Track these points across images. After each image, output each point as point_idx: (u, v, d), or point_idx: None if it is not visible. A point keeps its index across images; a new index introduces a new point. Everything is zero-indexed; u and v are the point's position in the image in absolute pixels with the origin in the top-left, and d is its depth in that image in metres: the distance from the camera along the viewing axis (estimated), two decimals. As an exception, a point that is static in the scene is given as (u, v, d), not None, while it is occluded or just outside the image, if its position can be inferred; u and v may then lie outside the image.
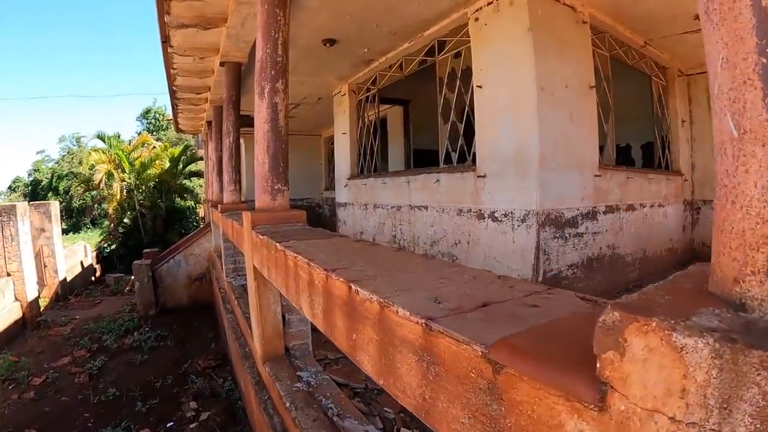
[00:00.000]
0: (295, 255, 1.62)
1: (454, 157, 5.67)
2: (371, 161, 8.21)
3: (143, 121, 33.68)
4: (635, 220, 5.56)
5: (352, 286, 1.15)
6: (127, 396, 4.34)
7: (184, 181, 12.16)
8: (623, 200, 5.35)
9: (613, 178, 5.21)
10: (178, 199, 11.72)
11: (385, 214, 7.17)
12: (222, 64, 5.43)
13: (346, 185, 8.81)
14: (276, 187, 2.71)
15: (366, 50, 6.42)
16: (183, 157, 11.81)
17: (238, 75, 5.46)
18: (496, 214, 4.66)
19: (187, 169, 12.00)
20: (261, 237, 2.23)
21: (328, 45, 5.91)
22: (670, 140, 6.49)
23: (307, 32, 5.50)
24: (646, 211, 5.76)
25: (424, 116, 9.89)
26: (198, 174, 12.82)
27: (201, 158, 12.95)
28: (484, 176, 4.79)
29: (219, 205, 5.63)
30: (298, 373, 2.60)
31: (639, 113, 7.11)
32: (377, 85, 7.67)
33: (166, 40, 4.93)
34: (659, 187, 6.05)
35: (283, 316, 2.79)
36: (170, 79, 6.58)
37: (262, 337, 2.68)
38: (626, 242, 5.41)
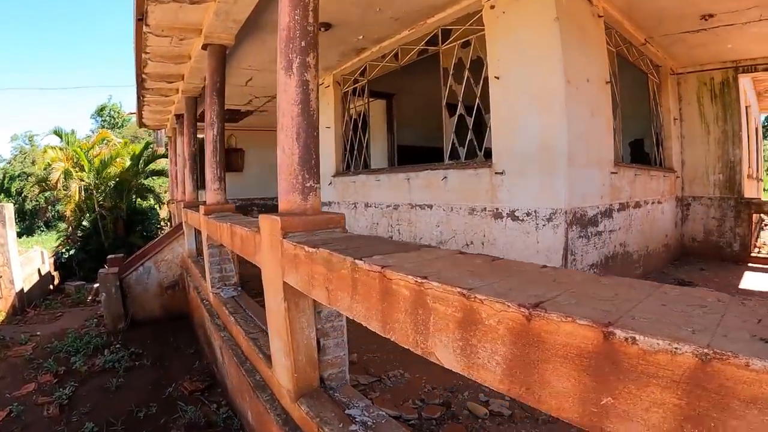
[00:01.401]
0: (417, 279, 1.20)
1: (462, 152, 5.37)
2: (359, 157, 7.78)
3: (97, 118, 32.16)
4: (641, 217, 5.51)
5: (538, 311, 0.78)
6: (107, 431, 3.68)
7: (146, 181, 11.12)
8: (632, 197, 5.28)
9: (625, 175, 5.11)
10: (139, 200, 10.70)
11: (379, 214, 6.77)
12: (204, 47, 4.81)
13: (331, 183, 8.33)
14: (308, 185, 2.24)
15: (361, 37, 5.99)
16: (144, 155, 10.77)
17: (223, 59, 4.86)
18: (516, 213, 4.40)
19: (148, 167, 10.97)
20: (309, 250, 1.77)
21: (322, 29, 5.42)
22: (663, 137, 6.54)
23: (302, 15, 4.99)
24: (648, 208, 5.74)
25: (409, 111, 9.59)
26: (160, 173, 11.80)
27: (164, 156, 11.92)
28: (502, 173, 4.51)
29: (201, 206, 5.00)
30: (346, 411, 2.16)
31: (628, 111, 7.15)
32: (367, 76, 7.24)
33: (142, 17, 4.26)
34: (658, 184, 6.07)
35: (318, 342, 2.34)
36: (139, 66, 5.83)
37: (293, 369, 2.20)
38: (634, 239, 5.34)
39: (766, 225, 7.30)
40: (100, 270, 6.48)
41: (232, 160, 13.17)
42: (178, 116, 8.22)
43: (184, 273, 7.12)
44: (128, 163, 10.25)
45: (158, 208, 11.91)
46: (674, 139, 6.58)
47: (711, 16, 4.48)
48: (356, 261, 1.48)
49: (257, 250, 2.56)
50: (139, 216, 10.51)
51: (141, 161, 10.46)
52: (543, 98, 4.08)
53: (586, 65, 4.32)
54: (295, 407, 2.26)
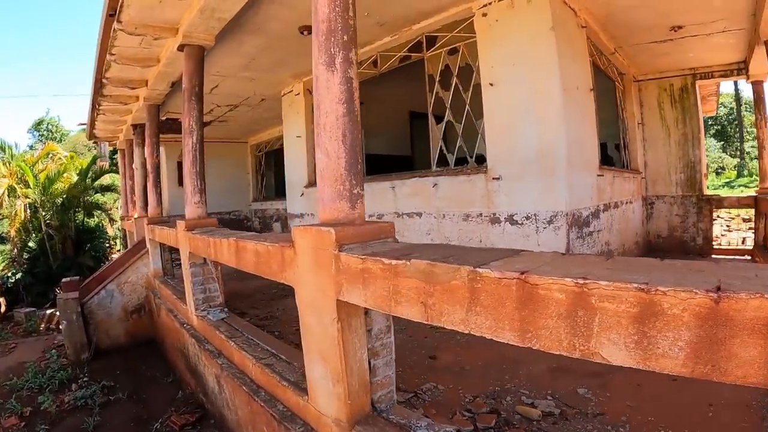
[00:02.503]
0: (578, 281, 1.12)
1: (451, 159, 5.36)
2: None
3: (35, 133, 30.19)
4: (618, 217, 5.78)
5: None
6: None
7: (95, 197, 10.13)
8: (612, 198, 5.52)
9: (606, 177, 5.34)
10: (87, 218, 9.73)
11: (361, 223, 6.61)
12: (181, 48, 4.46)
13: (303, 194, 8.05)
14: (356, 191, 2.07)
15: (342, 43, 5.83)
16: (92, 169, 9.79)
17: (202, 61, 4.53)
18: (515, 218, 4.43)
19: (97, 182, 10.01)
20: (393, 262, 1.61)
21: (305, 33, 5.23)
22: (628, 141, 6.94)
23: (289, 16, 4.81)
24: (623, 208, 6.03)
25: (375, 119, 9.52)
26: (109, 188, 10.80)
27: (113, 171, 10.97)
28: (498, 178, 4.54)
29: (180, 222, 4.61)
30: None
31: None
32: (342, 84, 7.08)
33: (114, 13, 3.86)
34: (630, 185, 6.41)
35: (369, 363, 2.17)
36: (100, 70, 5.31)
37: (346, 395, 2.02)
38: (614, 238, 5.59)
39: (715, 219, 7.95)
40: (59, 295, 5.78)
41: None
42: (135, 126, 7.59)
43: (151, 295, 6.53)
44: (75, 178, 9.29)
45: (108, 226, 10.91)
46: (638, 142, 7.01)
47: (680, 27, 4.82)
48: (478, 269, 1.37)
49: (287, 266, 2.33)
50: (88, 235, 9.55)
51: (89, 176, 9.52)
52: (541, 104, 4.16)
53: (575, 73, 4.48)
54: None
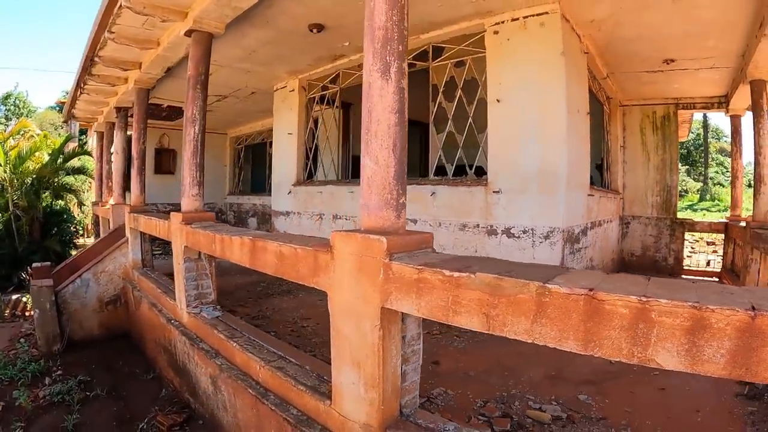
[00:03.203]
0: (642, 299, 1.27)
1: (450, 169, 5.47)
2: (336, 166, 7.59)
3: (1, 107, 28.05)
4: (601, 235, 6.07)
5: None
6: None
7: (65, 179, 9.55)
8: (597, 217, 5.79)
9: (594, 197, 5.59)
10: (55, 200, 9.16)
11: (352, 226, 6.60)
12: (188, 33, 4.33)
13: (290, 192, 7.95)
14: (401, 201, 2.11)
15: (347, 44, 5.84)
16: (65, 150, 9.20)
17: (209, 49, 4.41)
18: (512, 231, 4.58)
19: (69, 164, 9.43)
20: (454, 274, 1.65)
21: (315, 31, 5.20)
22: (610, 162, 7.29)
23: (300, 12, 4.77)
24: (605, 227, 6.34)
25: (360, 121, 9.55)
26: (81, 171, 10.21)
27: (87, 152, 10.37)
28: (498, 192, 4.68)
29: (176, 214, 4.48)
30: None
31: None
32: (339, 84, 7.08)
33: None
34: (611, 205, 6.75)
35: (401, 369, 2.21)
36: (94, 47, 5.06)
37: (380, 401, 2.05)
38: (597, 255, 5.86)
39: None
40: (32, 282, 5.42)
41: (163, 161, 12.00)
42: (119, 109, 7.26)
43: (128, 286, 6.26)
44: (47, 158, 8.72)
45: (80, 210, 10.29)
46: (619, 164, 7.39)
47: (672, 60, 5.15)
48: (547, 285, 1.47)
49: (320, 271, 2.32)
50: (56, 218, 9.00)
51: (60, 157, 8.96)
52: (546, 125, 4.31)
53: (577, 97, 4.68)
54: None
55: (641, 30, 4.47)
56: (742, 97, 5.66)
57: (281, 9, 4.66)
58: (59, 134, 13.39)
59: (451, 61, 5.30)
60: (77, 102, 7.35)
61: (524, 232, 4.51)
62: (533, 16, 4.29)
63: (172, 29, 4.68)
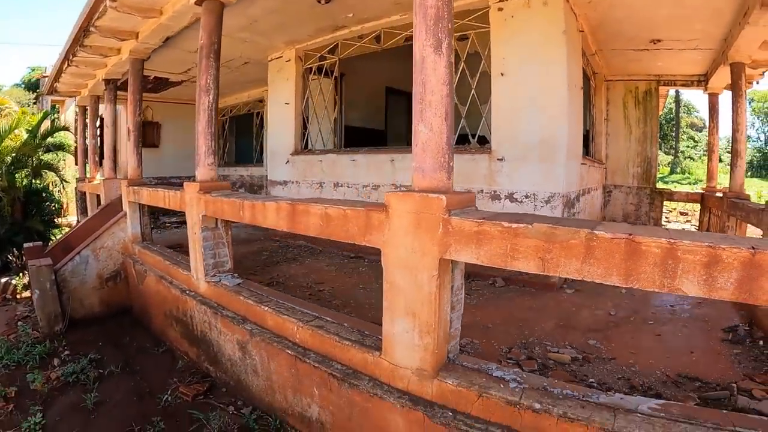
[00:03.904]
0: (671, 240, 1.60)
1: (453, 138, 5.67)
2: (332, 135, 7.66)
3: None
4: (589, 201, 6.50)
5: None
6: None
7: (45, 156, 9.13)
8: (587, 185, 6.18)
9: (585, 165, 5.96)
10: (35, 179, 8.80)
11: (354, 194, 6.78)
12: (199, 2, 4.30)
13: (288, 161, 7.99)
14: (451, 164, 2.35)
15: (351, 15, 5.87)
16: (43, 126, 8.76)
17: (221, 17, 4.39)
18: (515, 196, 4.88)
19: (48, 140, 9.00)
20: (513, 225, 1.91)
21: (323, 2, 5.20)
22: (595, 134, 7.69)
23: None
24: (592, 194, 6.77)
25: (354, 93, 9.57)
26: (60, 147, 9.77)
27: (65, 128, 9.90)
28: (502, 159, 4.94)
29: (193, 184, 4.49)
30: (493, 374, 2.30)
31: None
32: (338, 54, 7.10)
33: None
34: (596, 174, 7.17)
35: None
36: (90, 17, 4.91)
37: (435, 346, 2.29)
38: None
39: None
40: (30, 262, 5.32)
41: (147, 134, 11.65)
42: (108, 81, 7.03)
43: (129, 261, 6.25)
44: (25, 135, 8.30)
45: (62, 187, 9.91)
46: (603, 135, 7.80)
47: (659, 41, 5.47)
48: (594, 231, 1.75)
49: (373, 230, 2.50)
50: (36, 197, 8.68)
51: (39, 134, 8.56)
52: (547, 98, 4.57)
53: (575, 72, 4.95)
54: (431, 384, 2.28)
55: (633, 11, 4.75)
56: (722, 77, 6.08)
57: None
58: (33, 112, 12.67)
59: (455, 34, 5.42)
60: (63, 75, 7.05)
61: (526, 197, 4.82)
62: (537, -7, 4.48)
63: (175, -1, 4.60)
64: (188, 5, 4.44)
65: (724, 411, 2.02)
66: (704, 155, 28.39)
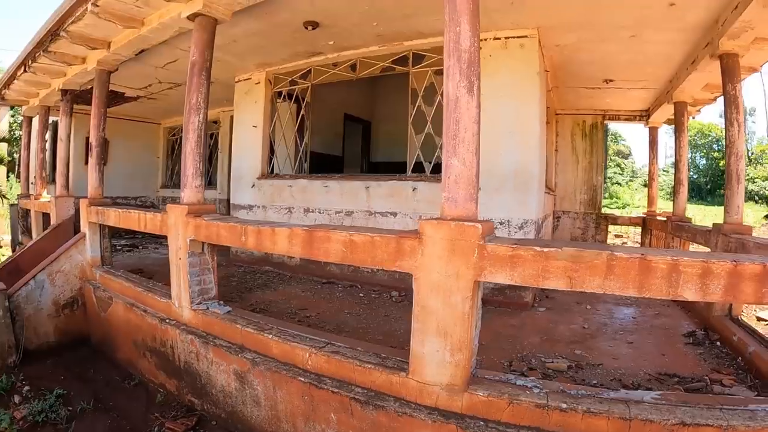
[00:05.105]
0: (674, 258, 1.98)
1: (428, 167, 6.00)
2: (302, 161, 7.69)
3: None
4: (546, 227, 7.10)
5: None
6: None
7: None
8: (546, 212, 6.78)
9: (546, 195, 6.55)
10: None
11: (326, 219, 6.83)
12: (192, 17, 4.27)
13: (254, 185, 7.89)
14: (477, 195, 2.62)
15: (331, 43, 6.05)
16: None
17: (213, 34, 4.37)
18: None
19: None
20: (544, 249, 2.19)
21: (309, 28, 5.35)
22: (547, 165, 8.44)
23: (303, 8, 4.86)
24: (549, 220, 7.41)
25: (316, 118, 9.72)
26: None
27: (4, 139, 8.94)
28: (479, 189, 5.31)
29: (180, 206, 4.30)
30: (517, 383, 2.53)
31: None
32: (310, 80, 7.25)
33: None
34: (549, 201, 7.86)
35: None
36: (63, 21, 4.64)
37: (465, 363, 2.47)
38: (545, 244, 6.86)
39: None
40: (-20, 286, 4.75)
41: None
42: (66, 92, 6.58)
43: (88, 287, 5.78)
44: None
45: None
46: (553, 165, 8.59)
47: (611, 81, 6.25)
48: (614, 253, 2.09)
49: (404, 256, 2.61)
50: (-37, 213, 7.73)
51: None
52: (522, 133, 5.02)
53: (543, 109, 5.51)
54: (461, 398, 2.45)
55: (595, 56, 5.42)
56: (663, 113, 7.01)
57: (288, 3, 4.73)
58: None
59: (432, 68, 5.82)
60: (15, 81, 6.47)
61: (501, 223, 5.21)
62: (514, 38, 4.99)
63: (167, 9, 4.48)
64: (178, 19, 4.38)
65: (710, 395, 2.44)
66: (631, 181, 31.86)
